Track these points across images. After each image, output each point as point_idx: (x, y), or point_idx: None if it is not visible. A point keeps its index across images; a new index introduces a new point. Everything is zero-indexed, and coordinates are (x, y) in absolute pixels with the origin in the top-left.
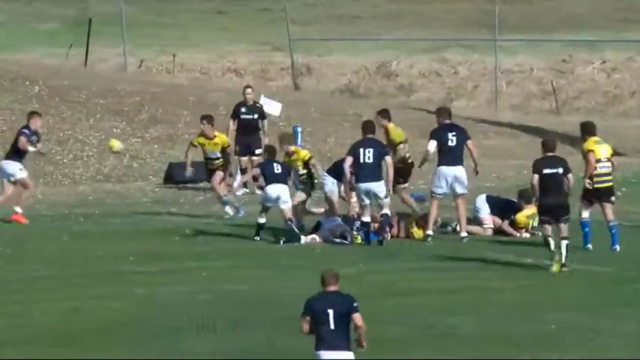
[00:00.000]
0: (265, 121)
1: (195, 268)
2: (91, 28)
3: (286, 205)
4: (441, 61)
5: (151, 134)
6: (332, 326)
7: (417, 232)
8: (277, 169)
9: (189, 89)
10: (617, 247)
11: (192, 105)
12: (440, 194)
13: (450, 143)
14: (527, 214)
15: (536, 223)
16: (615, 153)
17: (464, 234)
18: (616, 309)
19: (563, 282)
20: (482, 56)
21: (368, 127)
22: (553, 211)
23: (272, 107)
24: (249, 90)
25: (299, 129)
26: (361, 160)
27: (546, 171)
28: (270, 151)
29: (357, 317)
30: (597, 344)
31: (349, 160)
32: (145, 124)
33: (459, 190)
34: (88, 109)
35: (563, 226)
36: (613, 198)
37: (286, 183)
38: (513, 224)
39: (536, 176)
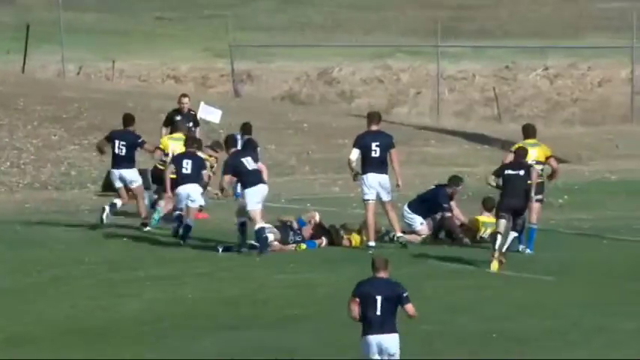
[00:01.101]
0: (198, 129)
1: (141, 277)
2: (29, 33)
3: (194, 204)
4: (383, 68)
5: (89, 141)
6: (378, 312)
7: (355, 238)
8: (186, 168)
9: (129, 96)
10: (527, 250)
11: (132, 112)
12: (371, 199)
13: (373, 154)
14: (486, 220)
15: (486, 235)
16: (557, 160)
17: (399, 234)
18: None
19: (505, 289)
20: (424, 63)
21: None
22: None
23: (212, 115)
24: (185, 100)
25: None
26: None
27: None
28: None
29: (410, 308)
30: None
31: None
32: (84, 131)
33: (385, 197)
34: (26, 115)
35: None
36: (539, 197)
37: (197, 182)
38: (466, 227)
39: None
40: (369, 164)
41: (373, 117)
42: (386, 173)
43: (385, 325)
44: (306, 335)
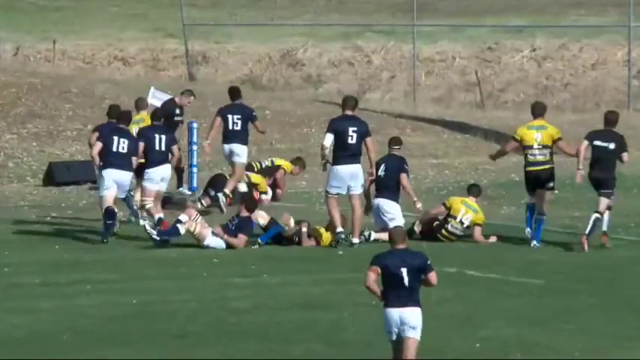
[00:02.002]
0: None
1: (80, 280)
2: None
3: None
4: (353, 49)
5: (28, 130)
6: (406, 284)
7: (326, 236)
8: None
9: (72, 80)
10: (537, 244)
11: (76, 97)
12: (335, 194)
13: (349, 140)
14: (470, 202)
15: (466, 219)
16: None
17: (356, 240)
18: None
19: (496, 295)
20: (398, 43)
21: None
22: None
23: (162, 101)
24: (192, 99)
25: (195, 124)
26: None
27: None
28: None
29: (433, 276)
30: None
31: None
32: (22, 118)
33: (355, 190)
34: None
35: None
36: (550, 184)
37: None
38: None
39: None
40: (344, 151)
41: (349, 101)
42: (359, 163)
43: (409, 297)
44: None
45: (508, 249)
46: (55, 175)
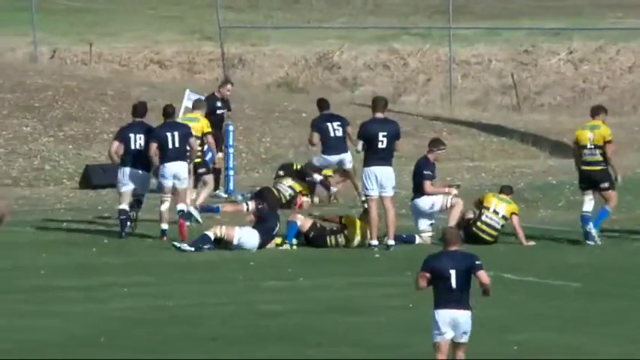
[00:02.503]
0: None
1: (116, 283)
2: None
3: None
4: (389, 52)
5: (65, 133)
6: (454, 285)
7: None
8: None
9: (109, 83)
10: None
11: (112, 100)
12: (374, 196)
13: (380, 145)
14: (503, 196)
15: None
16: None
17: (391, 242)
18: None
19: (534, 299)
20: (435, 46)
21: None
22: None
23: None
24: (229, 86)
25: (230, 127)
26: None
27: None
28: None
29: (482, 275)
30: None
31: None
32: (59, 121)
33: (387, 192)
34: None
35: None
36: (604, 185)
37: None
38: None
39: None
40: (374, 154)
41: (379, 102)
42: (390, 165)
43: (460, 300)
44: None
45: (545, 252)
46: (92, 178)
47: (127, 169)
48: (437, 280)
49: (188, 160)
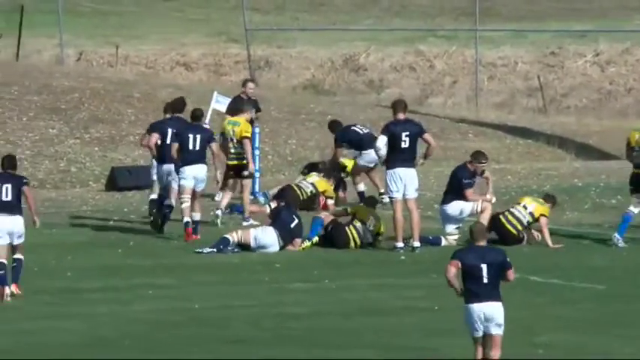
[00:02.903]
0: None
1: (141, 284)
2: (23, 15)
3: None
4: (415, 54)
5: (91, 135)
6: (485, 280)
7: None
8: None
9: (135, 85)
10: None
11: (138, 102)
12: (398, 198)
13: (403, 145)
14: (538, 199)
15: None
16: (610, 157)
17: (417, 243)
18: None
19: (559, 301)
20: (461, 48)
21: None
22: None
23: (225, 106)
24: (251, 85)
25: (257, 129)
26: None
27: None
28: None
29: (511, 274)
30: None
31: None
32: (85, 123)
33: (410, 194)
34: (20, 107)
35: None
36: None
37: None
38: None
39: None
40: (398, 155)
41: (399, 104)
42: (414, 167)
43: (491, 293)
44: None
45: (570, 254)
46: (118, 180)
47: (165, 166)
48: (468, 274)
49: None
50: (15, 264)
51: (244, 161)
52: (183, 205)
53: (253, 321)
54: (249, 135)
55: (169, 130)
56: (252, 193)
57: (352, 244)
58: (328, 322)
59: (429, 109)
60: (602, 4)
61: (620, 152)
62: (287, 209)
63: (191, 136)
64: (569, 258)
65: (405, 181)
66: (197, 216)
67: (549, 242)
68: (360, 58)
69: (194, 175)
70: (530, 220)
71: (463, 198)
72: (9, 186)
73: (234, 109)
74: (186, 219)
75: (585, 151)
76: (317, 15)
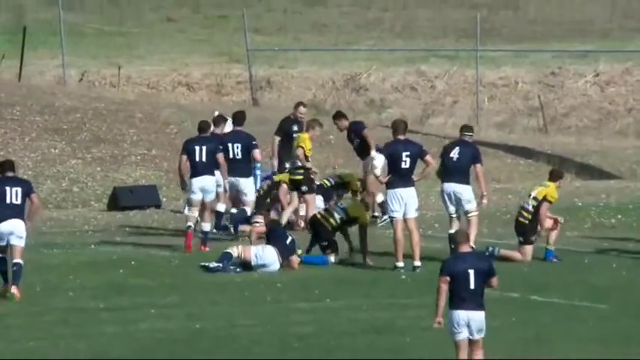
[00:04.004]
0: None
1: (144, 304)
2: (25, 36)
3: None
4: (416, 74)
5: (93, 155)
6: (472, 286)
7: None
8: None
9: (137, 105)
10: None
11: (140, 122)
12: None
13: (403, 165)
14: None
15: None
16: (610, 176)
17: (417, 263)
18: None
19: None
20: (462, 68)
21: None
22: None
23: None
24: (303, 109)
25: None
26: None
27: None
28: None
29: (495, 280)
30: None
31: None
32: (87, 143)
33: (410, 214)
34: (22, 127)
35: None
36: None
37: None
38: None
39: None
40: (398, 175)
41: (399, 125)
42: (413, 186)
43: (477, 300)
44: None
45: (570, 273)
46: (120, 200)
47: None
48: (455, 281)
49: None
50: (15, 268)
51: (301, 177)
52: (190, 214)
53: (257, 340)
54: (303, 145)
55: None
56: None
57: (330, 228)
58: (331, 341)
59: (429, 129)
60: (603, 25)
61: (620, 172)
62: (280, 226)
63: (197, 147)
64: (569, 277)
65: (405, 201)
66: (207, 227)
67: (544, 226)
68: (361, 78)
69: (200, 186)
70: (534, 203)
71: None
72: (19, 190)
73: (281, 128)
74: (189, 223)
75: (585, 171)
76: (319, 35)
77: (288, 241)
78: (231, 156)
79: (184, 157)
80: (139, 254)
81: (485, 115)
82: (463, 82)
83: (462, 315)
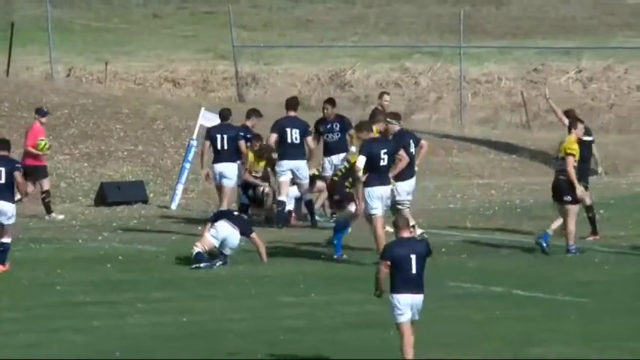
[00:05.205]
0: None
1: (131, 298)
2: (13, 32)
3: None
4: (401, 71)
5: (80, 151)
6: (414, 270)
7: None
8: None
9: (123, 101)
10: None
11: (127, 118)
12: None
13: (381, 162)
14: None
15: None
16: (592, 172)
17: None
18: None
19: (533, 314)
20: (446, 65)
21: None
22: None
23: (213, 122)
24: (387, 97)
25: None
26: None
27: None
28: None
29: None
30: None
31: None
32: (74, 139)
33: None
34: (10, 123)
35: None
36: None
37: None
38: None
39: None
40: (376, 173)
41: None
42: (390, 184)
43: (419, 284)
44: None
45: (553, 268)
46: (107, 195)
47: (284, 161)
48: (398, 265)
49: (239, 162)
50: (1, 248)
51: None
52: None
53: (246, 334)
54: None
55: (288, 130)
56: None
57: (339, 180)
58: (319, 335)
59: (413, 125)
60: (586, 22)
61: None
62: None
63: (219, 135)
64: (551, 272)
65: (383, 199)
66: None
67: (577, 186)
68: (346, 74)
69: (220, 171)
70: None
71: None
72: (2, 170)
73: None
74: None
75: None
76: (304, 32)
77: (235, 214)
78: (289, 140)
79: (207, 143)
80: (127, 249)
81: (468, 111)
82: (447, 79)
83: (406, 298)
